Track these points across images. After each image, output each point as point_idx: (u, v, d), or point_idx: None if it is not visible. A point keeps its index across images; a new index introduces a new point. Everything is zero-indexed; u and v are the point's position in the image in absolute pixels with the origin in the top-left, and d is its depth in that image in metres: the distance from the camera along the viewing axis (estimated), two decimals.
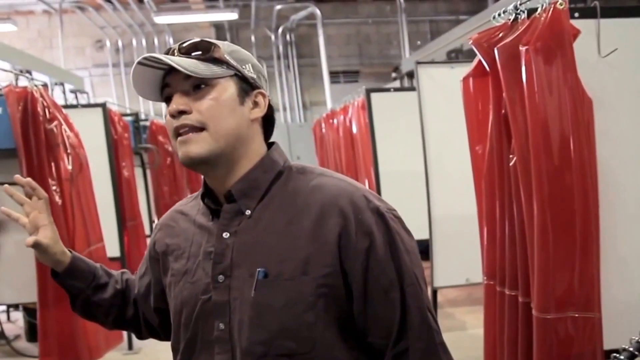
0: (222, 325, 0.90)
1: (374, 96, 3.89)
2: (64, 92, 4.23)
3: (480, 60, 1.67)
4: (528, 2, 1.48)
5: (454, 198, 3.16)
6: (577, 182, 1.46)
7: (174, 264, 0.98)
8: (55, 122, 2.41)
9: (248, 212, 0.92)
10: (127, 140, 3.93)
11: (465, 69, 2.29)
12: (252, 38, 8.76)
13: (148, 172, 4.78)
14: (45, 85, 2.80)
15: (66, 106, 3.46)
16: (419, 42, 8.30)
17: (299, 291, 0.87)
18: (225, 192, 0.93)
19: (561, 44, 1.38)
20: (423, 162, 3.21)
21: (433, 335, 0.90)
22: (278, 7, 7.97)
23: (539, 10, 1.43)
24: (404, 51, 7.81)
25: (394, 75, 7.52)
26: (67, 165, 2.40)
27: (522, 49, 1.38)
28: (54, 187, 2.31)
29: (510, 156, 1.61)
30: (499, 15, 1.60)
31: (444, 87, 2.87)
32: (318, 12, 7.71)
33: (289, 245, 0.89)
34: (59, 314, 2.34)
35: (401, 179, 3.77)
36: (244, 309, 0.89)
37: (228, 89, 0.91)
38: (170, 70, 0.91)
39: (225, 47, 0.93)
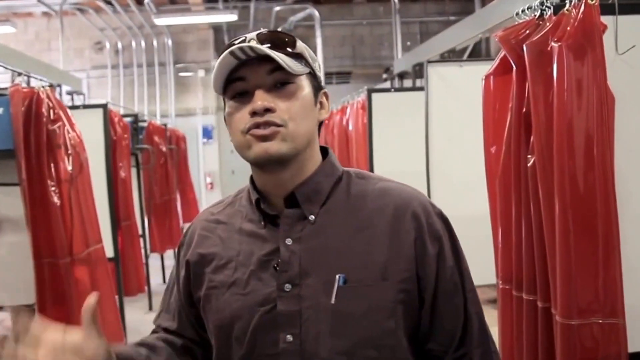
0: (290, 337, 0.82)
1: (375, 96, 3.79)
2: (60, 94, 4.13)
3: (501, 59, 1.58)
4: None
5: (456, 199, 3.07)
6: (599, 183, 1.38)
7: (213, 275, 0.88)
8: (59, 123, 2.30)
9: (312, 217, 0.85)
10: (126, 140, 3.83)
11: (474, 67, 2.18)
12: None
13: (141, 172, 4.68)
14: (52, 86, 2.67)
15: (68, 107, 3.33)
16: (409, 43, 8.24)
17: (380, 297, 0.82)
18: (285, 196, 0.86)
19: (592, 41, 1.29)
20: (425, 162, 3.11)
21: (489, 342, 0.89)
22: (277, 8, 7.86)
23: (567, 6, 1.34)
24: (396, 52, 7.73)
25: (384, 76, 7.44)
26: (67, 166, 2.28)
27: (555, 45, 1.29)
28: (52, 188, 2.18)
29: (529, 156, 1.52)
30: (523, 12, 1.51)
31: (452, 86, 2.78)
32: (316, 13, 7.61)
33: (365, 250, 0.83)
34: (56, 316, 2.22)
35: (398, 179, 3.67)
36: (321, 318, 0.81)
37: (306, 87, 0.85)
38: (245, 63, 0.81)
39: (299, 42, 0.86)
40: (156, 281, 5.51)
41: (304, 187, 0.86)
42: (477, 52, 5.99)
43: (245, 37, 0.83)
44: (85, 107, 3.41)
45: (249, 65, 0.81)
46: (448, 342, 0.85)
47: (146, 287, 4.59)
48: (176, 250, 0.97)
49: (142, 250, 4.57)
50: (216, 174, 8.99)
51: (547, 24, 1.39)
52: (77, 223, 2.30)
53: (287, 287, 0.82)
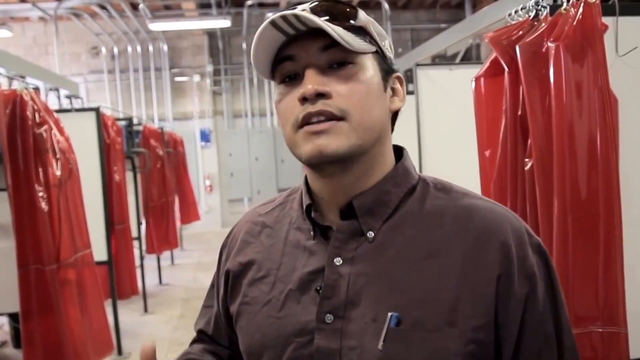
0: None
1: None
2: (58, 98, 4.04)
3: (492, 60, 1.50)
4: None
5: None
6: (603, 186, 1.30)
7: (248, 289, 0.72)
8: (45, 127, 2.19)
9: (371, 234, 0.66)
10: (119, 144, 3.74)
11: (464, 71, 2.10)
12: (244, 45, 8.59)
13: (138, 175, 4.61)
14: (36, 89, 2.57)
15: (60, 110, 3.24)
16: (400, 50, 8.19)
17: (442, 348, 0.61)
18: (342, 205, 0.67)
19: (592, 41, 1.21)
20: (418, 166, 3.04)
21: None
22: (269, 14, 7.77)
23: (565, 5, 1.26)
24: None
25: None
26: (56, 170, 2.18)
27: (552, 45, 1.21)
28: (40, 193, 2.08)
29: (526, 160, 1.44)
30: (516, 12, 1.42)
31: (442, 89, 2.70)
32: None
33: (431, 284, 0.63)
34: (43, 324, 2.12)
35: None
36: None
37: (373, 69, 0.65)
38: (293, 40, 0.63)
39: (363, 14, 0.67)
40: (152, 283, 5.41)
41: (365, 196, 0.67)
42: (469, 58, 5.94)
43: (295, 8, 0.64)
44: (78, 110, 3.30)
45: (299, 41, 0.64)
46: None
47: (141, 289, 4.50)
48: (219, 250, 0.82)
49: (137, 253, 4.48)
50: (215, 176, 8.92)
51: (543, 24, 1.31)
52: (65, 229, 2.21)
53: (329, 318, 0.64)
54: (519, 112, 1.44)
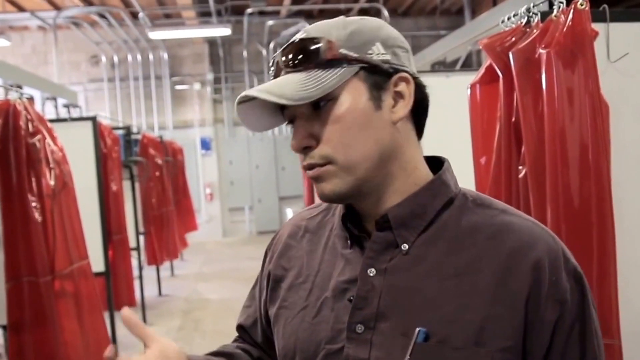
0: None
1: None
2: (55, 107, 4.06)
3: (487, 67, 1.50)
4: (540, 4, 1.31)
5: None
6: (595, 194, 1.29)
7: (287, 293, 0.74)
8: (39, 136, 2.19)
9: (405, 246, 0.66)
10: (116, 153, 3.75)
11: (461, 78, 2.10)
12: (245, 53, 8.63)
13: (137, 184, 4.61)
14: (30, 99, 2.58)
15: (55, 120, 3.26)
16: None
17: None
18: (377, 218, 0.68)
19: (582, 47, 1.21)
20: None
21: None
22: (270, 22, 7.83)
23: (556, 11, 1.26)
24: None
25: None
26: (49, 181, 2.18)
27: (543, 52, 1.21)
28: (34, 204, 2.08)
29: (520, 167, 1.44)
30: (509, 19, 1.43)
31: (439, 96, 2.70)
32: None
33: (461, 301, 0.62)
34: (36, 336, 2.11)
35: None
36: None
37: (353, 96, 0.65)
38: None
39: (339, 36, 0.65)
40: (151, 294, 5.40)
41: (400, 208, 0.67)
42: (469, 65, 5.95)
43: (276, 57, 0.68)
44: (74, 119, 3.31)
45: None
46: None
47: (140, 301, 4.49)
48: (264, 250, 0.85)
49: (136, 263, 4.47)
50: (215, 185, 8.93)
51: (535, 30, 1.31)
52: (59, 239, 2.20)
53: (360, 328, 0.66)
54: (513, 119, 1.43)
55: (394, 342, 0.64)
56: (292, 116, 0.68)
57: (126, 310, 0.71)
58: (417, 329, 0.63)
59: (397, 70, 0.67)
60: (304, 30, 0.68)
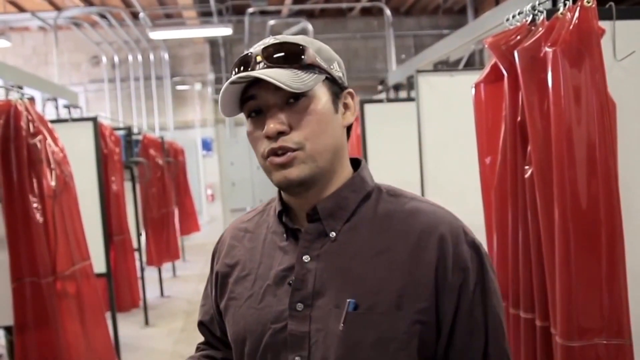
0: (298, 359, 0.77)
1: (367, 107, 3.73)
2: (56, 107, 4.06)
3: (492, 66, 1.49)
4: (546, 2, 1.30)
5: (451, 210, 2.98)
6: (603, 193, 1.28)
7: (234, 286, 0.86)
8: (39, 137, 2.19)
9: (333, 234, 0.79)
10: (117, 154, 3.75)
11: (465, 77, 2.10)
12: None
13: (138, 185, 4.60)
14: (31, 99, 2.58)
15: (56, 120, 3.26)
16: (403, 56, 8.21)
17: (392, 327, 0.74)
18: (308, 211, 0.80)
19: (589, 45, 1.20)
20: (419, 172, 3.03)
21: None
22: (271, 22, 7.82)
23: (561, 9, 1.25)
24: (390, 64, 7.68)
25: (379, 88, 7.38)
26: (50, 181, 2.18)
27: (549, 50, 1.20)
28: (35, 205, 2.08)
29: (526, 167, 1.43)
30: (514, 17, 1.42)
31: (443, 95, 2.70)
32: (310, 27, 7.57)
33: (382, 275, 0.76)
34: (39, 337, 2.11)
35: None
36: (329, 344, 0.76)
37: (322, 97, 0.78)
38: (256, 81, 0.76)
39: (311, 47, 0.78)
40: (153, 295, 5.40)
41: (327, 202, 0.80)
42: (472, 64, 5.93)
43: (251, 53, 0.77)
44: (75, 120, 3.31)
45: (259, 84, 0.76)
46: None
47: (142, 302, 4.48)
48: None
49: (138, 264, 4.46)
50: (217, 185, 8.92)
51: (540, 29, 1.30)
52: (61, 240, 2.20)
53: (299, 306, 0.78)
54: (519, 118, 1.43)
55: (329, 315, 0.76)
56: (259, 107, 0.77)
57: None
58: (348, 300, 0.75)
59: (345, 87, 0.83)
60: (275, 37, 0.79)
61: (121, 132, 4.31)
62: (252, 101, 0.77)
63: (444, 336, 0.76)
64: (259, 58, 0.76)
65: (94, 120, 3.26)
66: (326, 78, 0.78)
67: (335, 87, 0.80)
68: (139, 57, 8.43)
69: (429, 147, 2.91)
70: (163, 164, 5.48)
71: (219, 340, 0.96)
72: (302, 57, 0.76)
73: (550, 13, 1.31)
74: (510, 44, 1.36)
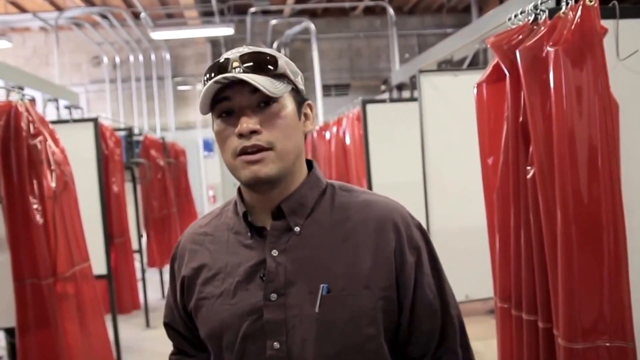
0: (277, 345, 0.85)
1: (370, 107, 3.73)
2: (57, 108, 4.08)
3: (494, 66, 1.49)
4: (548, 1, 1.30)
5: (453, 210, 2.98)
6: (605, 194, 1.28)
7: (202, 287, 0.92)
8: (40, 138, 2.21)
9: (297, 229, 0.88)
10: (118, 155, 3.75)
11: (468, 76, 2.10)
12: None
13: (138, 186, 4.60)
14: (32, 100, 2.59)
15: (57, 121, 3.27)
16: (407, 55, 8.21)
17: (362, 305, 0.85)
18: (272, 209, 0.88)
19: (591, 45, 1.20)
20: (422, 173, 3.03)
21: (467, 340, 0.93)
22: (273, 22, 7.84)
23: (564, 9, 1.25)
24: (393, 64, 7.68)
25: (382, 87, 7.38)
26: (51, 182, 2.19)
27: (551, 50, 1.20)
28: (35, 206, 2.09)
29: (528, 168, 1.43)
30: (516, 16, 1.42)
31: (446, 95, 2.70)
32: (312, 26, 7.58)
33: (349, 260, 0.86)
34: (40, 339, 2.12)
35: (395, 190, 3.59)
36: (306, 326, 0.85)
37: (289, 105, 0.87)
38: (231, 84, 0.83)
39: (281, 59, 0.87)
40: (155, 296, 5.41)
41: (289, 200, 0.88)
42: (476, 63, 5.92)
43: (229, 58, 0.84)
44: (75, 121, 3.32)
45: (234, 86, 0.83)
46: (426, 344, 0.90)
47: (143, 304, 4.49)
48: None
49: (139, 266, 4.47)
50: (218, 186, 8.94)
51: (542, 28, 1.30)
52: (61, 241, 2.21)
53: (273, 296, 0.85)
54: (521, 119, 1.43)
55: (304, 300, 0.84)
56: (232, 109, 0.84)
57: None
58: (321, 285, 0.84)
59: (306, 99, 0.91)
60: (248, 48, 0.86)
61: (122, 133, 4.32)
62: (226, 102, 0.84)
63: (407, 308, 0.88)
64: (235, 64, 0.84)
65: (94, 120, 3.28)
66: (292, 89, 0.87)
67: (299, 98, 0.89)
68: (140, 58, 8.45)
69: (431, 147, 2.91)
70: (164, 164, 5.49)
71: (187, 341, 1.01)
72: (276, 66, 0.85)
73: (553, 12, 1.31)
74: (512, 44, 1.37)
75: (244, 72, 0.82)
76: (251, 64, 0.83)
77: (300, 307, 0.85)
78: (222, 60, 0.85)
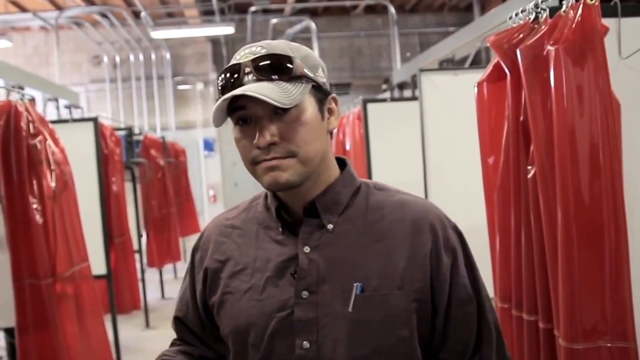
0: (306, 344, 0.82)
1: (371, 106, 3.72)
2: (57, 108, 4.08)
3: (495, 65, 1.49)
4: (549, 0, 1.30)
5: (454, 210, 2.97)
6: (606, 194, 1.28)
7: (228, 281, 0.89)
8: (40, 137, 2.21)
9: (330, 226, 0.86)
10: (118, 155, 3.76)
11: (469, 75, 2.10)
12: None
13: (138, 186, 4.61)
14: (32, 100, 2.59)
15: (57, 121, 3.28)
16: (408, 54, 8.19)
17: (395, 306, 0.83)
18: (305, 205, 0.87)
19: (592, 43, 1.20)
20: (422, 172, 3.02)
21: (504, 349, 0.90)
22: (274, 21, 7.83)
23: (565, 7, 1.25)
24: (394, 63, 7.68)
25: (384, 87, 7.37)
26: (50, 182, 2.20)
27: (551, 49, 1.20)
28: (34, 206, 2.09)
29: (529, 167, 1.43)
30: (516, 15, 1.42)
31: (447, 95, 2.69)
32: (313, 25, 7.58)
33: (383, 260, 0.84)
34: (39, 339, 2.13)
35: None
36: (337, 326, 0.82)
37: (310, 106, 0.83)
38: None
39: (298, 56, 0.83)
40: (154, 296, 5.42)
41: (323, 197, 0.86)
42: (478, 62, 5.92)
43: (240, 64, 0.81)
44: (75, 120, 3.33)
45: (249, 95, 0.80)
46: (461, 350, 0.87)
47: (143, 304, 4.50)
48: (190, 252, 0.99)
49: (138, 266, 4.48)
50: (219, 186, 8.93)
51: (543, 27, 1.30)
52: (61, 241, 2.21)
53: (305, 294, 0.83)
54: (521, 118, 1.43)
55: (336, 299, 0.82)
56: (248, 117, 0.81)
57: None
58: (355, 284, 0.82)
59: (329, 92, 0.87)
60: (263, 45, 0.82)
61: (122, 133, 4.32)
62: (242, 111, 0.82)
63: (442, 311, 0.85)
64: (247, 69, 0.81)
65: (94, 120, 3.28)
66: (312, 86, 0.83)
67: (320, 94, 0.85)
68: (141, 57, 8.46)
69: (432, 147, 2.90)
70: (164, 164, 5.50)
71: (195, 336, 0.98)
72: (290, 68, 0.80)
73: (554, 11, 1.31)
74: (513, 43, 1.37)
75: (256, 78, 0.80)
76: (263, 69, 0.80)
77: (332, 306, 0.83)
78: (233, 63, 0.82)
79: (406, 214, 0.87)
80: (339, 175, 0.89)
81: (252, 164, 0.83)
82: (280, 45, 0.83)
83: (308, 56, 0.85)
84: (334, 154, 0.91)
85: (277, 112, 0.80)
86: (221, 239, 0.92)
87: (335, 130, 1.03)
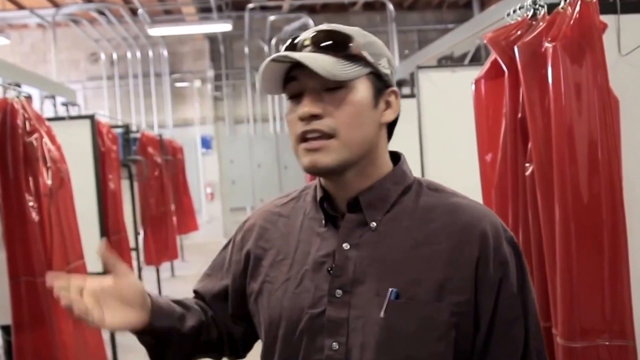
0: (335, 345, 0.79)
1: None
2: (54, 105, 4.07)
3: (492, 62, 1.49)
4: None
5: None
6: (605, 191, 1.28)
7: (269, 269, 0.87)
8: (36, 135, 2.21)
9: (373, 224, 0.82)
10: (115, 152, 3.75)
11: (467, 73, 2.09)
12: (246, 49, 8.63)
13: (135, 184, 4.61)
14: (28, 97, 2.59)
15: (54, 118, 3.27)
16: (407, 51, 8.19)
17: (432, 317, 0.77)
18: (349, 200, 0.83)
19: (590, 40, 1.20)
20: (420, 169, 3.02)
21: None
22: (271, 18, 7.82)
23: (562, 4, 1.25)
24: (393, 60, 7.67)
25: None
26: (47, 180, 2.19)
27: (549, 45, 1.20)
28: (31, 203, 2.09)
29: (527, 165, 1.43)
30: (514, 12, 1.42)
31: (444, 92, 2.69)
32: (311, 22, 7.56)
33: (423, 266, 0.79)
34: (35, 337, 2.13)
35: None
36: (369, 331, 0.78)
37: (363, 90, 0.80)
38: (299, 64, 0.77)
39: (360, 39, 0.80)
40: None
41: (369, 193, 0.82)
42: (478, 59, 5.93)
43: (299, 37, 0.81)
44: (72, 118, 3.32)
45: (302, 67, 0.77)
46: None
47: None
48: (234, 234, 0.97)
49: (135, 264, 4.47)
50: (216, 184, 8.93)
51: (541, 23, 1.30)
52: (57, 239, 2.21)
53: (338, 292, 0.80)
54: (519, 115, 1.42)
55: (370, 302, 0.78)
56: (299, 91, 0.79)
57: (101, 248, 0.81)
58: (390, 289, 0.77)
59: (391, 85, 0.84)
60: (327, 25, 0.81)
61: (119, 130, 4.32)
62: (294, 82, 0.80)
63: (484, 329, 0.78)
64: (307, 42, 0.79)
65: (91, 118, 3.27)
66: (371, 72, 0.80)
67: (380, 84, 0.82)
68: (138, 54, 8.45)
69: (429, 144, 2.90)
70: (161, 162, 5.49)
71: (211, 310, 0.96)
72: (349, 46, 0.78)
73: (551, 7, 1.31)
74: (511, 40, 1.36)
75: (314, 51, 0.78)
76: (322, 42, 0.78)
77: (364, 309, 0.78)
78: (296, 36, 0.82)
79: (457, 219, 0.80)
80: (390, 171, 0.84)
81: (297, 142, 0.80)
82: (345, 27, 0.82)
83: (373, 43, 0.82)
84: (387, 150, 0.87)
85: (328, 89, 0.78)
86: (266, 225, 0.90)
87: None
